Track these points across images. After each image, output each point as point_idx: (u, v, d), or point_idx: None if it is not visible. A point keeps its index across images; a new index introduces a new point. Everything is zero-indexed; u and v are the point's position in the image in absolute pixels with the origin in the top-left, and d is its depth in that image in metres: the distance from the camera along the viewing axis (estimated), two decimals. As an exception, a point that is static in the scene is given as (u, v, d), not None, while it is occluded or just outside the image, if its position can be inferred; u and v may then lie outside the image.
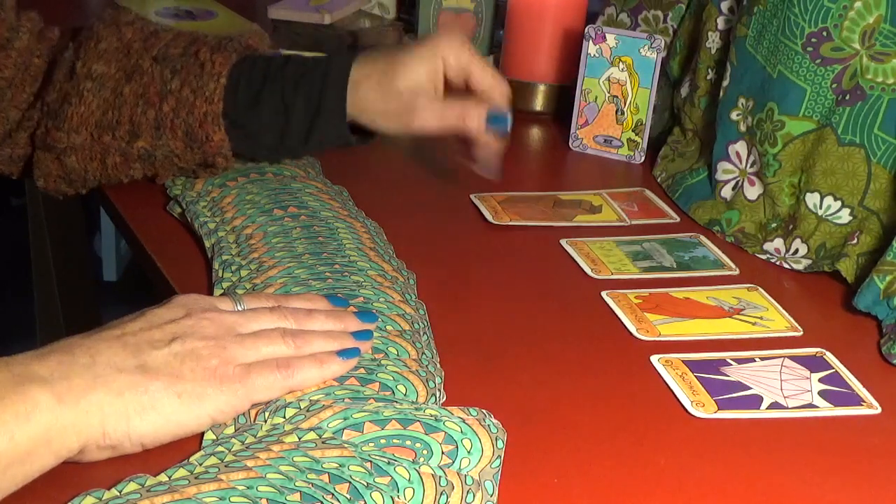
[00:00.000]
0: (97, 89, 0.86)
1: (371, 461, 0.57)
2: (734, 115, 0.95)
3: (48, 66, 0.90)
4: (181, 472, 0.56)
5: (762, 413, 0.68)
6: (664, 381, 0.71)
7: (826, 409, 0.69)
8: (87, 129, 0.86)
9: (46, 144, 0.87)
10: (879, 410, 0.69)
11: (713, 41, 1.03)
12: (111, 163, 0.88)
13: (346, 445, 0.58)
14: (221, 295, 0.72)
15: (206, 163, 0.89)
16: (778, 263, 0.91)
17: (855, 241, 0.87)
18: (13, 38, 0.88)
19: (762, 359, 0.74)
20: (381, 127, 0.90)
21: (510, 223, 0.94)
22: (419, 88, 0.89)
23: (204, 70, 0.87)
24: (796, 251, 0.90)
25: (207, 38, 0.90)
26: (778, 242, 0.91)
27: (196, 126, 0.86)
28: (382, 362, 0.67)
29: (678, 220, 0.98)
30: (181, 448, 0.59)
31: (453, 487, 0.56)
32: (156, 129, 0.86)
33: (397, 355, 0.68)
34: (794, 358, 0.75)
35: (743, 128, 0.95)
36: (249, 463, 0.56)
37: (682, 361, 0.73)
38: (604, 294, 0.82)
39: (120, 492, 0.54)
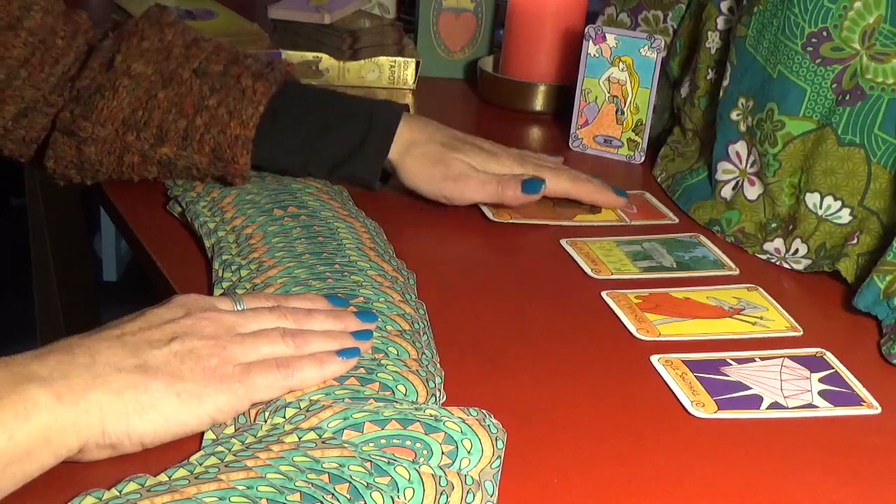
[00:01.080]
0: (132, 87, 0.87)
1: (371, 461, 0.57)
2: (734, 115, 0.95)
3: (87, 51, 0.90)
4: (181, 472, 0.56)
5: (762, 413, 0.68)
6: (664, 381, 0.71)
7: (826, 409, 0.69)
8: (113, 125, 0.87)
9: (70, 129, 0.87)
10: (879, 410, 0.69)
11: (713, 41, 1.03)
12: (128, 161, 0.89)
13: (346, 445, 0.58)
14: (221, 295, 0.72)
15: (225, 179, 0.91)
16: (778, 263, 0.91)
17: (855, 241, 0.87)
18: (24, 16, 0.88)
19: (762, 359, 0.74)
20: (417, 186, 0.94)
21: (510, 221, 0.94)
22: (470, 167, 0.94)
23: (245, 95, 0.89)
24: (796, 251, 0.90)
25: (248, 60, 0.92)
26: (778, 242, 0.91)
27: (225, 146, 0.88)
28: (382, 362, 0.67)
29: (677, 220, 0.98)
30: (181, 448, 0.59)
31: (453, 487, 0.56)
32: (183, 139, 0.88)
33: (397, 355, 0.68)
34: (794, 358, 0.75)
35: (743, 128, 0.95)
36: (249, 463, 0.56)
37: (682, 361, 0.73)
38: (604, 294, 0.82)
39: (120, 492, 0.54)
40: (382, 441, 0.59)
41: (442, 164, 0.93)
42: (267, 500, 0.54)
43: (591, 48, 1.11)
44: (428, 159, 0.93)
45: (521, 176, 0.94)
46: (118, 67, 0.87)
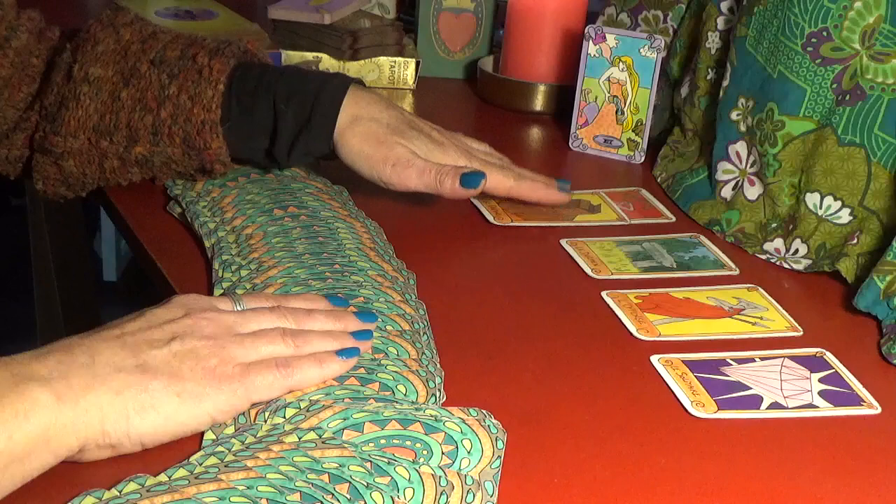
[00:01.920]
0: (94, 93, 0.86)
1: (371, 461, 0.57)
2: (734, 115, 0.95)
3: (46, 67, 0.89)
4: (181, 472, 0.56)
5: (762, 413, 0.68)
6: (664, 381, 0.71)
7: (826, 409, 0.69)
8: (84, 134, 0.86)
9: (44, 148, 0.87)
10: (879, 410, 0.69)
11: (713, 41, 1.03)
12: (109, 167, 0.88)
13: (346, 445, 0.58)
14: (221, 295, 0.72)
15: (204, 168, 0.89)
16: (778, 263, 0.91)
17: (855, 241, 0.87)
18: (11, 36, 0.88)
19: (762, 359, 0.74)
20: (356, 167, 0.89)
21: (511, 224, 0.94)
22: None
23: (202, 76, 0.86)
24: (796, 251, 0.90)
25: (206, 41, 0.90)
26: (778, 242, 0.91)
27: (194, 133, 0.86)
28: (382, 362, 0.67)
29: (674, 219, 0.98)
30: (181, 448, 0.59)
31: (453, 487, 0.56)
32: (153, 134, 0.86)
33: (397, 355, 0.68)
34: (794, 358, 0.75)
35: (743, 128, 0.95)
36: (249, 463, 0.56)
37: (682, 361, 0.73)
38: (604, 294, 0.82)
39: (120, 492, 0.54)
40: (382, 441, 0.59)
41: (383, 147, 0.88)
42: (267, 500, 0.54)
43: (591, 48, 1.11)
44: (369, 139, 0.89)
45: (462, 169, 0.89)
46: (76, 76, 0.86)
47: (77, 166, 0.88)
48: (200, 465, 0.57)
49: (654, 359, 0.73)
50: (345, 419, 0.60)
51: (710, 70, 1.03)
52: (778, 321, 0.80)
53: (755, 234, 0.93)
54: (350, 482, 0.55)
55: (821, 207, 0.90)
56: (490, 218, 0.94)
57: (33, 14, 0.91)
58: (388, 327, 0.71)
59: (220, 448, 0.58)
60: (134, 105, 0.86)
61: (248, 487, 0.54)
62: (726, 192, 0.97)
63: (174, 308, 0.64)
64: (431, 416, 0.61)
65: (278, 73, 0.90)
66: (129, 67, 0.87)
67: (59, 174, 0.88)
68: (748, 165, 0.95)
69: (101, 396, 0.57)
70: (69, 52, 0.88)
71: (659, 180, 1.06)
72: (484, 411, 0.63)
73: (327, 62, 1.31)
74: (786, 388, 0.71)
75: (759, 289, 0.85)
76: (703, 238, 0.94)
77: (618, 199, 1.01)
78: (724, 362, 0.73)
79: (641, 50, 1.09)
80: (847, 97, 0.87)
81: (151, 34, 0.90)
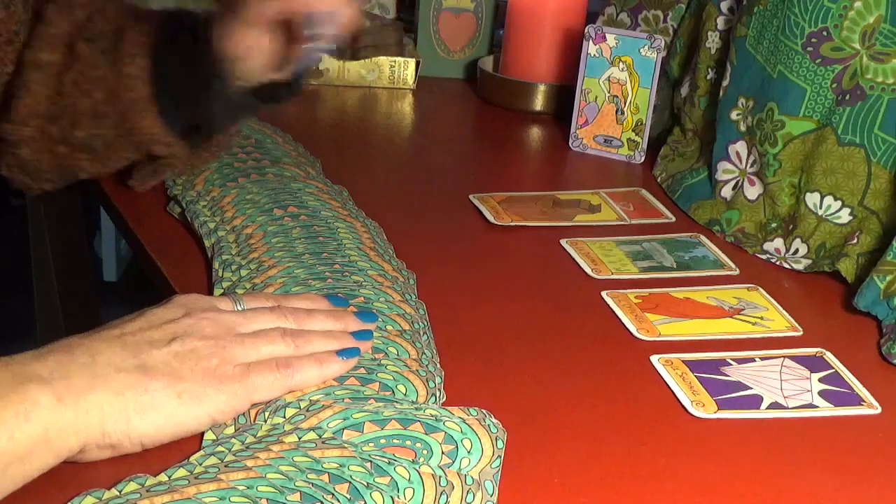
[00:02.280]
0: (45, 79, 0.83)
1: (371, 461, 0.57)
2: (734, 115, 0.95)
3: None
4: (181, 472, 0.56)
5: (762, 413, 0.68)
6: (664, 381, 0.71)
7: (826, 409, 0.69)
8: (34, 121, 0.83)
9: (1, 137, 0.85)
10: (879, 410, 0.69)
11: (713, 41, 1.03)
12: (60, 153, 0.85)
13: (346, 445, 0.58)
14: (221, 295, 0.72)
15: (150, 152, 0.86)
16: (778, 263, 0.91)
17: (855, 241, 0.87)
18: (21, 31, 0.87)
19: (762, 359, 0.74)
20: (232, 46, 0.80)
21: (511, 224, 0.94)
22: None
23: (124, 52, 0.82)
24: (796, 251, 0.90)
25: (143, 12, 0.85)
26: (778, 242, 0.91)
27: (126, 114, 0.83)
28: (382, 362, 0.67)
29: (674, 219, 0.98)
30: (181, 448, 0.59)
31: (453, 487, 0.56)
32: (91, 118, 0.83)
33: (397, 355, 0.68)
34: (794, 358, 0.75)
35: (743, 128, 0.95)
36: (249, 463, 0.56)
37: (682, 361, 0.73)
38: (604, 294, 0.82)
39: (120, 492, 0.54)
40: (382, 441, 0.59)
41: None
42: (267, 500, 0.54)
43: (591, 48, 1.11)
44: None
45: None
46: (27, 62, 0.83)
47: (31, 154, 0.85)
48: (200, 465, 0.57)
49: (654, 359, 0.73)
50: (345, 419, 0.60)
51: (710, 70, 1.03)
52: (778, 321, 0.80)
53: (755, 234, 0.93)
54: (350, 482, 0.55)
55: (821, 207, 0.90)
56: (490, 218, 0.94)
57: None
58: (389, 327, 0.71)
59: (220, 448, 0.58)
60: (73, 88, 0.83)
61: (248, 487, 0.54)
62: (726, 191, 0.97)
63: (174, 308, 0.64)
64: (431, 415, 0.61)
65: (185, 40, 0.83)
66: (72, 49, 0.83)
67: (16, 161, 0.86)
68: (748, 165, 0.95)
69: (101, 397, 0.57)
70: (28, 37, 0.84)
71: (659, 180, 1.06)
72: (484, 411, 0.63)
73: (327, 62, 1.31)
74: (786, 387, 0.71)
75: (759, 289, 0.85)
76: (703, 238, 0.94)
77: (618, 199, 1.01)
78: (724, 362, 0.73)
79: (641, 50, 1.09)
80: (847, 97, 0.87)
81: (100, 9, 0.86)
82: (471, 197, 0.98)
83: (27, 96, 0.83)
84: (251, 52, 0.80)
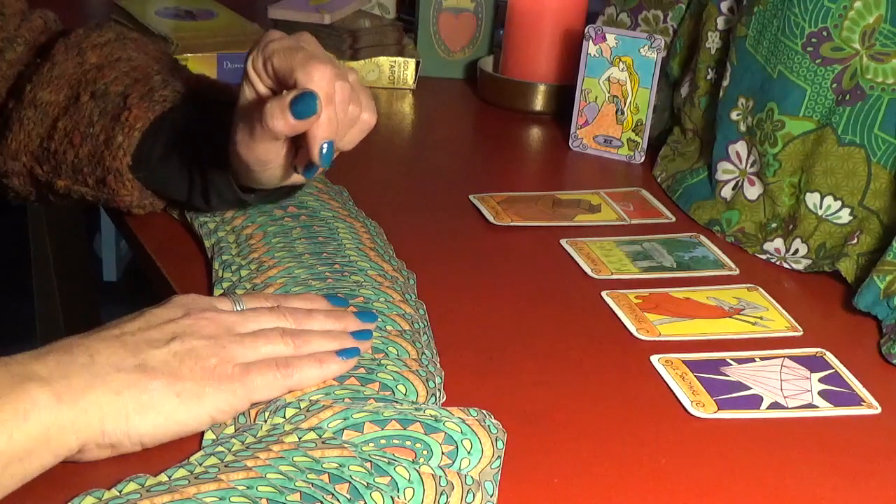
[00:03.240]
0: (39, 118, 0.82)
1: (371, 461, 0.57)
2: (734, 115, 0.95)
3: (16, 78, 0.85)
4: (181, 472, 0.56)
5: (762, 413, 0.68)
6: (664, 381, 0.71)
7: (826, 409, 0.69)
8: (23, 158, 0.83)
9: None
10: (879, 410, 0.69)
11: (713, 41, 1.03)
12: (45, 192, 0.85)
13: (346, 445, 0.58)
14: (221, 295, 0.72)
15: (129, 212, 0.85)
16: (778, 263, 0.91)
17: (855, 241, 0.87)
18: (6, 48, 0.86)
19: (762, 359, 0.74)
20: (243, 156, 0.75)
21: (511, 224, 0.94)
22: None
23: (119, 121, 0.81)
24: (796, 251, 0.90)
25: (155, 79, 0.83)
26: (778, 242, 0.91)
27: (107, 178, 0.81)
28: (382, 362, 0.67)
29: (674, 219, 0.98)
30: (181, 448, 0.59)
31: (453, 487, 0.56)
32: (73, 171, 0.82)
33: (397, 355, 0.68)
34: (794, 358, 0.75)
35: (743, 128, 0.95)
36: (249, 463, 0.56)
37: (682, 361, 0.73)
38: (604, 294, 0.82)
39: (120, 492, 0.54)
40: (382, 441, 0.59)
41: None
42: (267, 500, 0.54)
43: (591, 48, 1.11)
44: None
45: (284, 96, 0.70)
46: (25, 98, 0.83)
47: (20, 185, 0.86)
48: (200, 465, 0.57)
49: (654, 359, 0.73)
50: (345, 419, 0.60)
51: (710, 70, 1.03)
52: (778, 321, 0.80)
53: (755, 234, 0.93)
54: (350, 482, 0.55)
55: (821, 207, 0.90)
56: (490, 218, 0.94)
57: (35, 25, 0.87)
58: (388, 327, 0.71)
59: (220, 448, 0.58)
60: (63, 137, 0.82)
61: (248, 487, 0.54)
62: (726, 192, 0.97)
63: (174, 308, 0.64)
64: (431, 416, 0.61)
65: (197, 118, 0.81)
66: (74, 96, 0.83)
67: (7, 187, 0.87)
68: (748, 165, 0.95)
69: (100, 396, 0.57)
70: (32, 70, 0.84)
71: (659, 180, 1.06)
72: (484, 411, 0.63)
73: (327, 62, 1.30)
74: (786, 387, 0.71)
75: (759, 289, 0.85)
76: (703, 238, 0.94)
77: (618, 199, 1.01)
78: (724, 362, 0.73)
79: (641, 50, 1.09)
80: (847, 97, 0.87)
81: (115, 60, 0.84)
82: (471, 197, 0.98)
83: (21, 132, 0.83)
84: (270, 161, 0.74)
